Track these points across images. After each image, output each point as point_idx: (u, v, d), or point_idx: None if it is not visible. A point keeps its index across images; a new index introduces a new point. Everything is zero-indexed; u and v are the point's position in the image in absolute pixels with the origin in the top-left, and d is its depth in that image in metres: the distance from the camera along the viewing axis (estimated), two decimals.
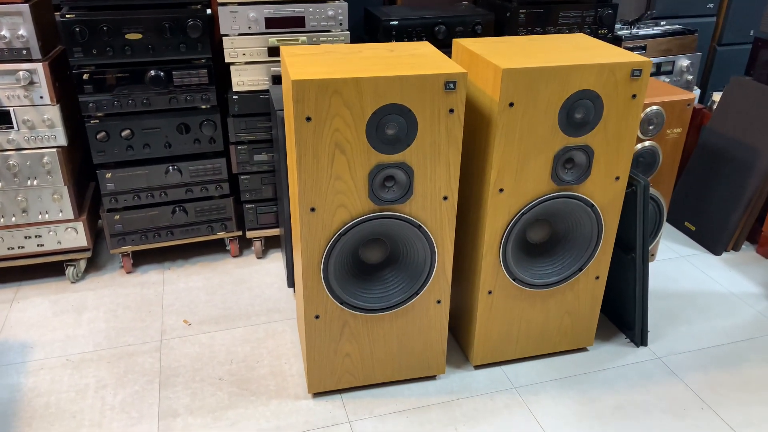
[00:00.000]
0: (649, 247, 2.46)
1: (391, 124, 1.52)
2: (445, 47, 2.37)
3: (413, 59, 1.61)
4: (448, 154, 1.60)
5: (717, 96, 2.80)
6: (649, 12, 2.98)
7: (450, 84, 1.51)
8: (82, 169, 2.47)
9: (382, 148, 1.55)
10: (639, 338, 2.07)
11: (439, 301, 1.80)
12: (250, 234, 2.52)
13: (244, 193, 2.45)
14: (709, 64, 3.32)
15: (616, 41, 2.69)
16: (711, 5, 3.19)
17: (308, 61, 1.57)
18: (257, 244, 2.56)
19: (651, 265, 2.55)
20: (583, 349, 2.07)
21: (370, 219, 1.62)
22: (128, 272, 2.46)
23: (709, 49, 3.30)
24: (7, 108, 2.08)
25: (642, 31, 2.80)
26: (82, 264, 2.41)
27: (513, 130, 1.64)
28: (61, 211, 2.26)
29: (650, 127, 2.19)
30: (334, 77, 1.44)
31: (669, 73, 2.80)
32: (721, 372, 1.98)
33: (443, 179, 1.63)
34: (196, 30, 2.12)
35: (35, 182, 2.19)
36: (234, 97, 2.29)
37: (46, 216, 2.25)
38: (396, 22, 2.36)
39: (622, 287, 2.07)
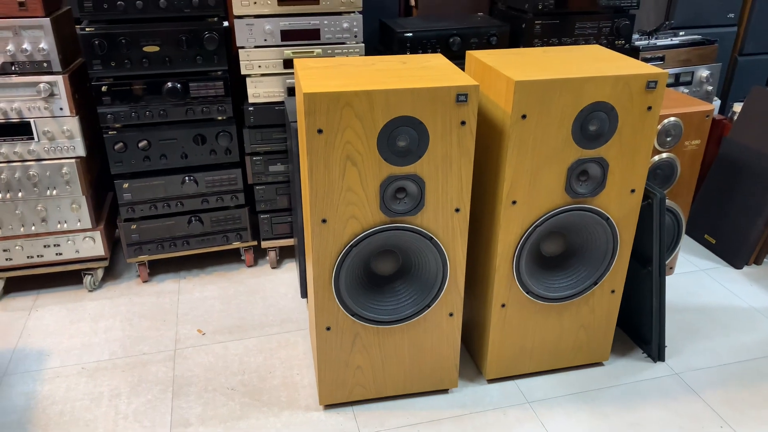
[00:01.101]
0: (667, 261, 2.43)
1: (403, 136, 1.52)
2: (460, 59, 2.37)
3: (425, 71, 1.61)
4: (460, 166, 1.60)
5: (738, 107, 2.75)
6: (667, 22, 2.95)
7: (461, 96, 1.50)
8: (100, 179, 2.51)
9: (393, 159, 1.55)
10: (656, 353, 2.04)
11: (451, 314, 1.79)
12: (264, 244, 2.53)
13: (259, 204, 2.46)
14: (730, 74, 3.28)
15: (634, 52, 2.67)
16: (732, 15, 3.15)
17: (321, 74, 1.58)
18: (272, 254, 2.57)
19: (669, 278, 2.51)
20: (598, 364, 2.04)
21: (382, 231, 1.62)
22: (144, 281, 2.48)
23: (730, 60, 3.25)
24: (27, 119, 2.12)
25: (660, 42, 2.78)
26: (100, 273, 2.44)
27: (526, 142, 1.63)
28: (79, 220, 2.29)
29: (668, 139, 2.16)
30: (345, 90, 1.45)
31: (688, 83, 2.77)
32: (742, 389, 1.93)
33: (455, 191, 1.62)
34: (213, 42, 2.15)
35: (54, 192, 2.22)
36: (250, 108, 2.31)
37: (65, 225, 2.29)
38: (410, 34, 2.37)
39: (638, 301, 2.04)
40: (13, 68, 2.06)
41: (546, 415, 1.83)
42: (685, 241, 2.77)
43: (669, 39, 2.83)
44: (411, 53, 2.39)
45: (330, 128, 1.48)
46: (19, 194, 2.20)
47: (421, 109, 1.50)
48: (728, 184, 2.63)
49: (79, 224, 2.30)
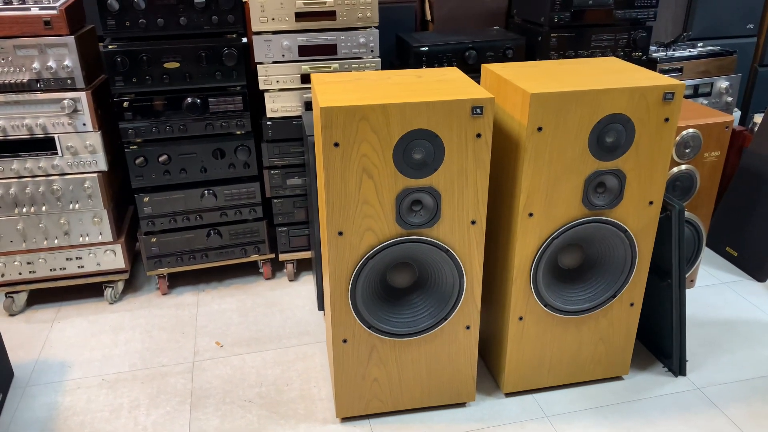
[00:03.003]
0: (688, 273, 2.40)
1: (418, 149, 1.53)
2: (476, 72, 2.38)
3: (440, 85, 1.62)
4: (476, 178, 1.60)
5: (759, 118, 2.72)
6: (685, 34, 2.94)
7: (477, 109, 1.51)
8: (121, 193, 2.55)
9: (409, 172, 1.56)
10: (677, 367, 2.01)
11: (468, 327, 1.79)
12: (282, 257, 2.55)
13: (277, 217, 2.48)
14: (751, 85, 3.24)
15: (651, 64, 2.66)
16: (751, 26, 3.13)
17: (337, 89, 1.60)
18: (289, 267, 2.58)
19: (690, 291, 2.48)
20: (618, 378, 2.01)
21: (398, 243, 1.62)
22: (164, 294, 2.51)
23: (750, 70, 3.22)
24: (52, 135, 2.17)
25: (678, 53, 2.76)
26: (120, 285, 2.48)
27: (542, 155, 1.63)
28: (100, 233, 2.33)
29: (686, 151, 2.15)
30: (361, 103, 1.46)
31: (707, 95, 2.75)
32: (765, 404, 1.89)
33: (471, 203, 1.63)
34: (232, 58, 2.19)
35: (77, 206, 2.27)
36: (268, 123, 2.33)
37: (87, 238, 2.33)
38: (426, 48, 2.39)
39: (658, 314, 2.02)
40: (38, 85, 2.11)
41: (564, 430, 1.81)
42: (706, 253, 2.74)
43: (687, 50, 2.81)
44: (427, 67, 2.41)
45: (346, 141, 1.49)
46: (43, 208, 2.24)
47: (437, 122, 1.51)
48: (750, 195, 2.60)
49: (100, 237, 2.34)
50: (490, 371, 2.04)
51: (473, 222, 1.65)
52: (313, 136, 1.97)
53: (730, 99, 2.79)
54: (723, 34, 3.08)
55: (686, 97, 2.71)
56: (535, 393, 1.96)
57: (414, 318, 1.74)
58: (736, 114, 2.93)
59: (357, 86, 1.62)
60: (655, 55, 2.73)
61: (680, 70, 2.70)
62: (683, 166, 2.18)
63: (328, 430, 1.83)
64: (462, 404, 1.91)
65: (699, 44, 2.90)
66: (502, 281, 1.83)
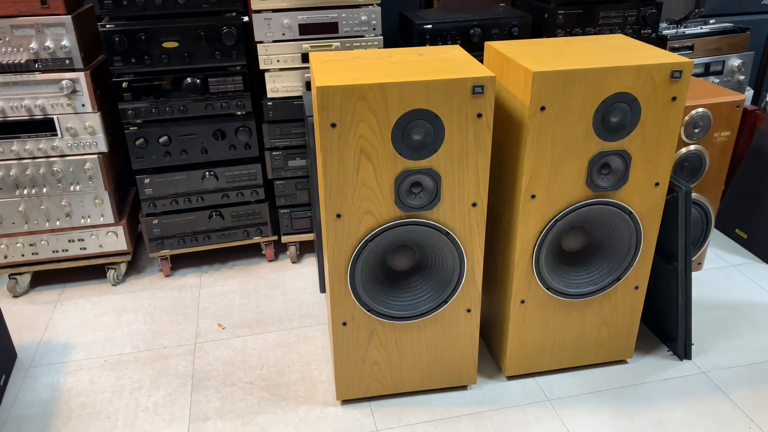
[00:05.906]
0: (696, 256, 2.36)
1: (418, 130, 1.50)
2: (481, 51, 2.33)
3: (441, 63, 1.58)
4: (476, 160, 1.57)
5: None
6: (696, 10, 2.86)
7: (477, 88, 1.47)
8: (122, 174, 2.54)
9: (408, 153, 1.53)
10: (682, 351, 1.98)
11: (469, 310, 1.77)
12: (285, 239, 2.54)
13: (279, 198, 2.46)
14: (764, 63, 3.16)
15: (661, 41, 2.59)
16: (766, 2, 3.04)
17: (335, 68, 1.57)
18: (292, 249, 2.57)
19: (698, 274, 2.44)
20: (622, 362, 1.99)
21: (397, 226, 1.60)
22: (166, 275, 2.51)
23: (764, 47, 3.14)
24: (51, 116, 2.15)
25: (689, 31, 2.69)
26: (123, 267, 2.47)
27: (545, 135, 1.59)
28: (102, 215, 2.32)
29: (696, 131, 2.10)
30: (358, 83, 1.43)
31: (719, 73, 2.68)
32: None
33: (472, 185, 1.60)
34: (231, 37, 2.15)
35: (78, 187, 2.26)
36: (269, 103, 2.30)
37: (89, 220, 2.32)
38: (430, 26, 2.34)
39: (664, 297, 1.99)
40: (36, 65, 2.09)
41: (567, 414, 1.80)
42: (715, 235, 2.69)
43: (698, 27, 2.74)
44: (431, 45, 2.36)
45: (343, 122, 1.46)
46: (44, 190, 2.23)
47: (437, 101, 1.48)
48: (761, 176, 2.54)
49: (102, 219, 2.33)
50: (491, 354, 2.02)
51: (474, 204, 1.62)
52: (313, 116, 1.94)
53: (742, 77, 2.72)
54: (736, 10, 3.00)
55: (697, 75, 2.65)
56: (537, 376, 1.94)
57: (414, 301, 1.72)
58: (749, 93, 2.86)
59: (356, 65, 1.58)
60: (665, 32, 2.66)
61: (691, 47, 2.64)
62: (692, 147, 2.13)
63: (329, 412, 1.82)
64: (463, 387, 1.90)
65: (711, 21, 2.82)
66: (504, 264, 1.81)
